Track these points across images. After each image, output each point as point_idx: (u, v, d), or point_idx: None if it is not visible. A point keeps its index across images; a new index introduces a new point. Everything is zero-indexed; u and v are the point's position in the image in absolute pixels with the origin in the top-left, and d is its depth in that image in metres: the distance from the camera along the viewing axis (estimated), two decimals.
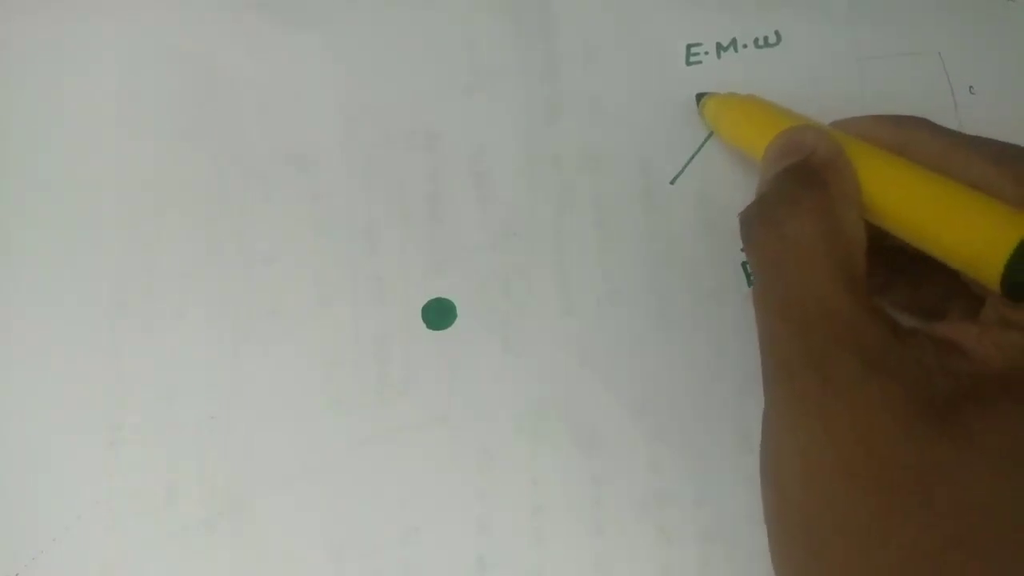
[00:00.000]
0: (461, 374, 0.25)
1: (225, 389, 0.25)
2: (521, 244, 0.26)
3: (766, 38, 0.27)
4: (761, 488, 0.19)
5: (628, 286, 0.25)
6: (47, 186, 0.27)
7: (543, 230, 0.26)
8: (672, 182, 0.26)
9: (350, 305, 0.25)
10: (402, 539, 0.23)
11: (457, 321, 0.25)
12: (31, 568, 0.23)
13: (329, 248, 0.26)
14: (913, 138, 0.20)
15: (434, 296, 0.25)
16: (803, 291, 0.18)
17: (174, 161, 0.27)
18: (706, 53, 0.27)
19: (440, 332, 0.25)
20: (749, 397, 0.24)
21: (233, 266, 0.26)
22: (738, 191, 0.26)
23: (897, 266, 0.21)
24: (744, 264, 0.25)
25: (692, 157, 0.26)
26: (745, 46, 0.27)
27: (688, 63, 0.27)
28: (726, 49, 0.27)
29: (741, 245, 0.25)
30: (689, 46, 0.27)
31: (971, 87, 0.26)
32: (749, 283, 0.25)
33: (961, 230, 0.18)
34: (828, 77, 0.27)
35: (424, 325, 0.25)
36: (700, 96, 0.26)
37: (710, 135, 0.26)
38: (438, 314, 0.25)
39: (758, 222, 0.20)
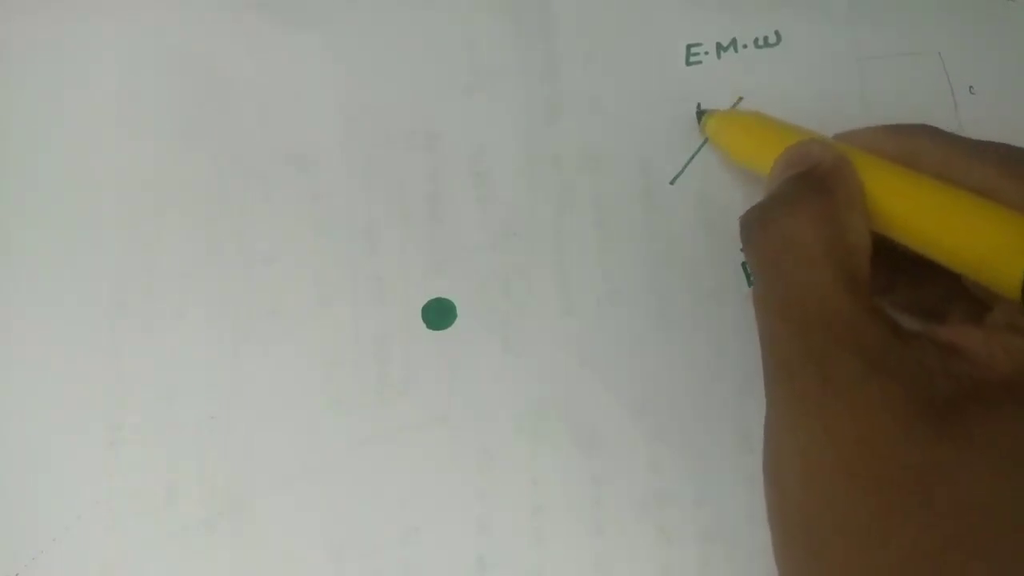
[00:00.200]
0: (461, 374, 0.25)
1: (225, 389, 0.25)
2: (521, 244, 0.26)
3: (766, 38, 0.27)
4: (764, 488, 0.19)
5: (628, 286, 0.25)
6: (47, 186, 0.27)
7: (543, 230, 0.26)
8: (672, 182, 0.26)
9: (350, 305, 0.25)
10: (402, 539, 0.23)
11: (457, 321, 0.25)
12: (31, 568, 0.23)
13: (329, 248, 0.26)
14: (916, 146, 0.20)
15: (434, 296, 0.25)
16: (803, 291, 0.18)
17: (174, 161, 0.27)
18: (706, 53, 0.27)
19: (440, 332, 0.25)
20: (749, 397, 0.24)
21: (233, 266, 0.26)
22: (738, 191, 0.26)
23: (898, 267, 0.21)
24: (744, 264, 0.25)
25: (692, 157, 0.26)
26: (745, 46, 0.27)
27: (688, 63, 0.27)
28: (726, 49, 0.27)
29: (741, 245, 0.25)
30: (689, 46, 0.27)
31: (971, 87, 0.26)
32: (749, 283, 0.25)
33: (972, 239, 0.18)
34: (828, 77, 0.27)
35: (424, 325, 0.25)
36: (700, 113, 0.26)
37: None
38: (438, 314, 0.25)
39: (759, 223, 0.20)
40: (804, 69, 0.27)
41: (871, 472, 0.16)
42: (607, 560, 0.23)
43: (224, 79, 0.28)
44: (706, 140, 0.26)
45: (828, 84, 0.27)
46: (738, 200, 0.26)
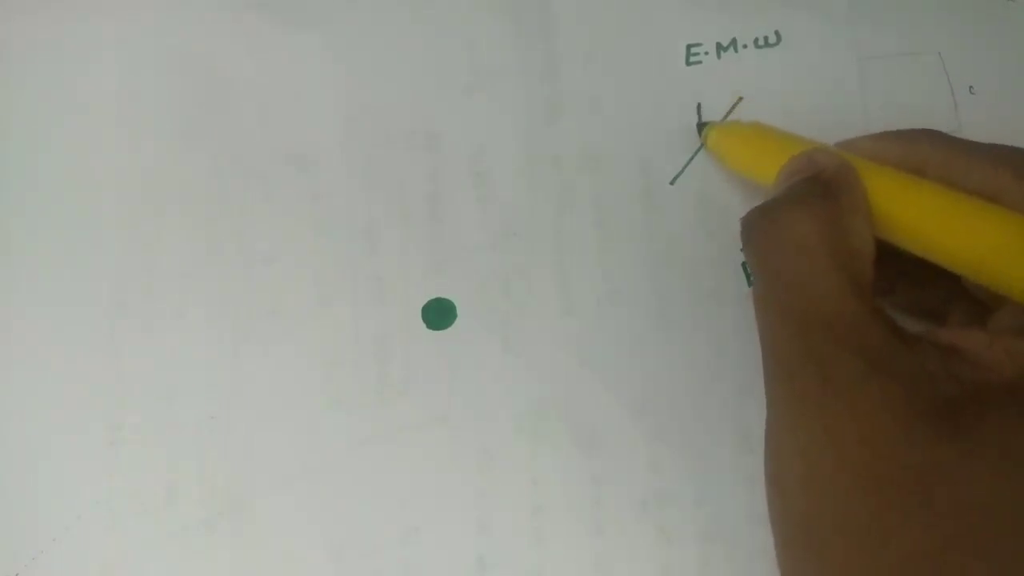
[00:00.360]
0: (461, 374, 0.25)
1: (225, 389, 0.25)
2: (521, 244, 0.26)
3: (766, 38, 0.27)
4: (765, 488, 0.19)
5: (628, 286, 0.25)
6: (47, 186, 0.27)
7: (543, 230, 0.26)
8: (672, 182, 0.26)
9: (350, 305, 0.25)
10: (402, 539, 0.23)
11: (457, 321, 0.25)
12: (31, 568, 0.23)
13: (329, 248, 0.26)
14: (919, 152, 0.20)
15: (434, 296, 0.25)
16: (804, 292, 0.18)
17: (174, 161, 0.27)
18: (706, 53, 0.27)
19: (440, 332, 0.25)
20: (749, 397, 0.24)
21: (233, 266, 0.26)
22: (738, 191, 0.26)
23: (899, 269, 0.21)
24: (744, 264, 0.25)
25: (692, 157, 0.26)
26: (745, 46, 0.27)
27: (688, 63, 0.27)
28: (726, 49, 0.27)
29: (741, 245, 0.25)
30: (689, 46, 0.27)
31: (971, 87, 0.26)
32: (749, 283, 0.25)
33: (978, 243, 0.18)
34: (828, 77, 0.27)
35: (424, 325, 0.25)
36: (701, 125, 0.26)
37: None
38: (438, 314, 0.25)
39: (760, 223, 0.20)
40: (804, 69, 0.27)
41: (871, 472, 0.16)
42: (607, 560, 0.23)
43: (224, 79, 0.28)
44: (701, 140, 0.26)
45: (828, 84, 0.27)
46: (738, 200, 0.26)
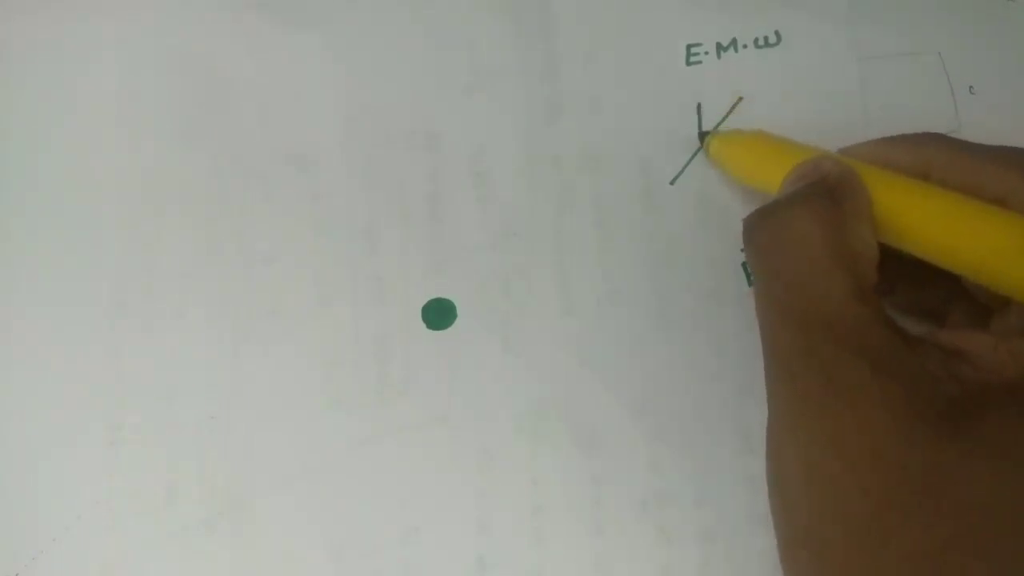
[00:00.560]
0: (461, 374, 0.25)
1: (225, 389, 0.25)
2: (521, 244, 0.26)
3: (766, 38, 0.27)
4: (767, 488, 0.19)
5: (628, 286, 0.25)
6: (47, 186, 0.27)
7: (543, 230, 0.26)
8: (672, 182, 0.26)
9: (350, 305, 0.25)
10: (402, 539, 0.23)
11: (457, 321, 0.25)
12: (31, 568, 0.23)
13: (329, 248, 0.26)
14: (924, 155, 0.20)
15: (434, 296, 0.25)
16: (804, 291, 0.18)
17: (174, 161, 0.27)
18: (706, 53, 0.27)
19: (440, 332, 0.25)
20: (749, 397, 0.24)
21: (233, 266, 0.26)
22: (738, 191, 0.26)
23: (898, 269, 0.21)
24: (744, 264, 0.25)
25: (692, 157, 0.26)
26: (745, 46, 0.27)
27: (688, 63, 0.27)
28: (726, 49, 0.27)
29: (741, 245, 0.25)
30: (689, 46, 0.27)
31: (971, 87, 0.26)
32: (749, 283, 0.25)
33: (984, 245, 0.18)
34: (828, 77, 0.27)
35: (424, 325, 0.25)
36: (703, 134, 0.26)
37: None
38: (438, 314, 0.25)
39: (761, 224, 0.20)
40: (804, 69, 0.27)
41: (871, 472, 0.16)
42: (607, 560, 0.23)
43: (224, 79, 0.28)
44: (702, 149, 0.26)
45: (828, 84, 0.27)
46: (738, 200, 0.26)
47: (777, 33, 0.27)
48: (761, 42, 0.27)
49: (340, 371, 0.25)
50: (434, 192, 0.26)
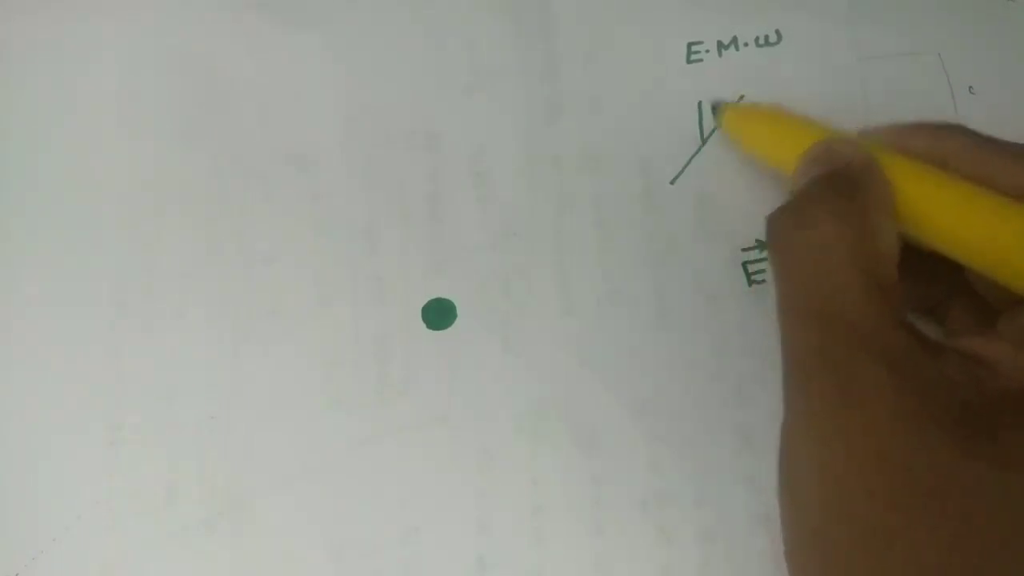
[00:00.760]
0: (461, 374, 0.25)
1: (225, 389, 0.25)
2: (521, 244, 0.26)
3: (767, 37, 0.27)
4: (777, 491, 0.19)
5: (628, 286, 0.25)
6: (47, 186, 0.27)
7: (543, 230, 0.26)
8: (672, 182, 0.26)
9: (350, 305, 0.25)
10: (402, 539, 0.23)
11: (457, 321, 0.25)
12: (31, 568, 0.23)
13: (329, 248, 0.26)
14: (944, 145, 0.20)
15: (434, 296, 0.25)
16: (823, 293, 0.18)
17: (174, 161, 0.27)
18: (707, 52, 0.27)
19: (440, 332, 0.25)
20: (749, 397, 0.24)
21: (233, 266, 0.26)
22: (738, 191, 0.26)
23: (900, 265, 0.21)
24: (744, 264, 0.25)
25: (692, 157, 0.26)
26: (746, 44, 0.27)
27: (689, 62, 0.27)
28: (727, 48, 0.27)
29: (741, 245, 0.25)
30: (690, 45, 0.27)
31: (971, 87, 0.26)
32: (749, 283, 0.25)
33: (1007, 241, 0.18)
34: (828, 76, 0.27)
35: (424, 325, 0.25)
36: (716, 105, 0.26)
37: (711, 134, 0.26)
38: (438, 314, 0.25)
39: (784, 225, 0.20)
40: (804, 68, 0.27)
41: (877, 474, 0.16)
42: (607, 560, 0.23)
43: (224, 79, 0.28)
44: (706, 140, 0.26)
45: (828, 83, 0.27)
46: (738, 200, 0.26)
47: (778, 32, 0.27)
48: (762, 41, 0.27)
49: (340, 371, 0.25)
50: (434, 192, 0.26)
